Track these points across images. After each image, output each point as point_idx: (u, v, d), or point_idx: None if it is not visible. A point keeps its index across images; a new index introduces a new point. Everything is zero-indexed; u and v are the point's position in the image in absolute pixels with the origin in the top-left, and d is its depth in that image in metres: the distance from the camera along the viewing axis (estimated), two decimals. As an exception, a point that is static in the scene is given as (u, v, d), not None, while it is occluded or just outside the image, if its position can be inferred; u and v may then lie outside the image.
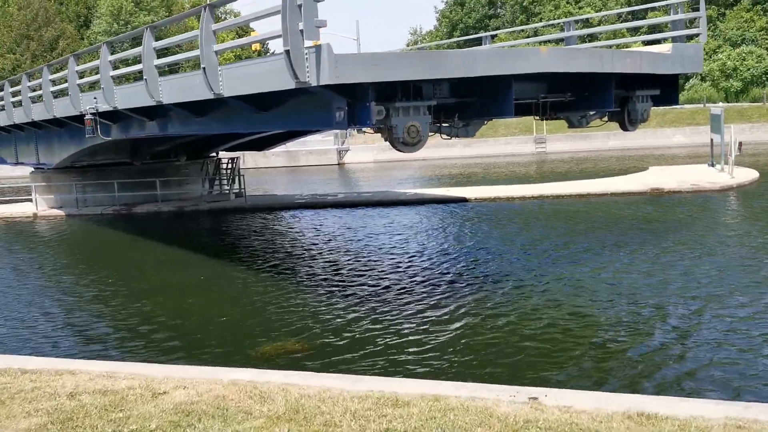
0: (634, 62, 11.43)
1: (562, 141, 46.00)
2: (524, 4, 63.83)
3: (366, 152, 48.38)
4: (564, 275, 12.65)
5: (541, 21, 48.20)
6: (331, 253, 16.02)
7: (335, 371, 7.94)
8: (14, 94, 22.75)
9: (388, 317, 10.53)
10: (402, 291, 12.20)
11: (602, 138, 45.15)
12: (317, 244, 17.33)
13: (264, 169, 45.92)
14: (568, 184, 24.58)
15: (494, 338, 9.30)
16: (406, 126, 9.28)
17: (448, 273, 13.42)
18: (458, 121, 10.53)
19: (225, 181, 27.74)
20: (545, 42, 34.36)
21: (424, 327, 9.98)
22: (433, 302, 11.25)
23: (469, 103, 10.46)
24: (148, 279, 14.51)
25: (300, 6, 8.17)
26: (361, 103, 9.14)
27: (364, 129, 10.08)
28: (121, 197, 25.19)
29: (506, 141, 46.09)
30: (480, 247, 15.90)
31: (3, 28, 70.83)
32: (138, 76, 14.28)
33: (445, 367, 8.34)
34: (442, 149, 46.91)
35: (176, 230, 21.14)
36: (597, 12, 53.90)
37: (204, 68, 10.79)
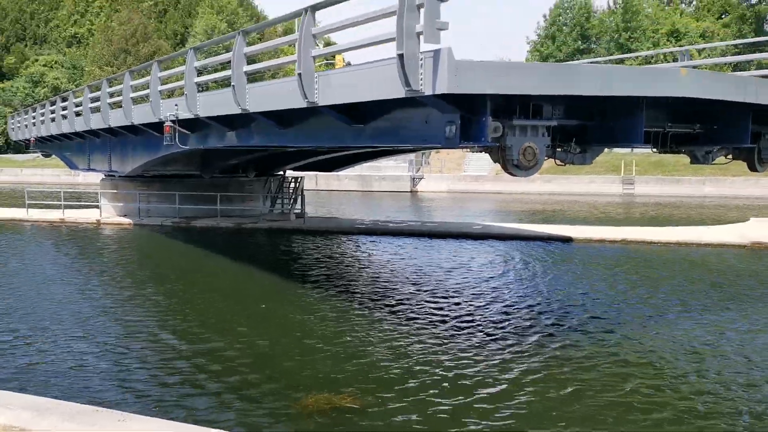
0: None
1: (652, 183, 43.59)
2: (620, 40, 62.00)
3: (440, 181, 47.41)
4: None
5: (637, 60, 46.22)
6: (399, 287, 14.28)
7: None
8: (93, 100, 22.94)
9: (463, 372, 8.88)
10: (487, 339, 10.48)
11: (696, 183, 42.47)
12: (382, 275, 15.67)
13: (336, 192, 45.62)
14: (690, 231, 22.44)
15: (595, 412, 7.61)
16: (522, 147, 8.20)
17: (544, 321, 11.58)
18: (575, 146, 9.41)
19: (287, 201, 27.27)
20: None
21: (507, 389, 8.32)
22: (524, 359, 9.45)
23: (590, 127, 9.29)
24: (192, 301, 13.09)
25: (419, 6, 7.36)
26: (476, 118, 8.13)
27: (469, 148, 9.04)
28: (183, 209, 25.02)
29: (590, 179, 44.10)
30: (587, 293, 14.03)
31: (104, 42, 74.34)
32: (224, 83, 13.79)
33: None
34: (520, 183, 45.42)
35: (231, 248, 20.11)
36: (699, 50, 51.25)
37: (299, 74, 9.82)
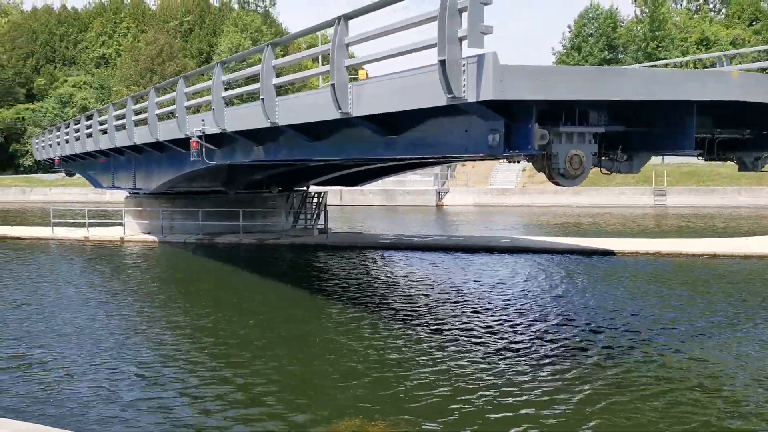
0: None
1: (685, 194, 42.52)
2: (648, 49, 61.19)
3: (466, 195, 46.90)
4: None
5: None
6: (435, 304, 13.53)
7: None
8: (117, 117, 22.74)
9: (514, 402, 8.14)
10: (539, 363, 9.69)
11: (731, 193, 41.35)
12: (415, 291, 14.93)
13: (360, 207, 45.34)
14: (734, 242, 21.54)
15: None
16: (568, 155, 7.84)
17: (599, 341, 10.73)
18: (621, 153, 8.96)
19: (310, 216, 26.90)
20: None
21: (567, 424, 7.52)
22: (581, 386, 8.66)
23: (637, 134, 8.84)
24: (221, 322, 12.47)
25: (461, 10, 7.06)
26: (521, 125, 7.78)
27: (509, 159, 8.65)
28: (206, 226, 24.84)
29: (620, 191, 43.20)
30: (642, 310, 13.17)
31: (130, 62, 75.42)
32: (251, 98, 13.54)
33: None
34: (547, 196, 44.88)
35: (255, 265, 19.72)
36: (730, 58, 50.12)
37: (333, 85, 9.64)
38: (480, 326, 12.01)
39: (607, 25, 67.38)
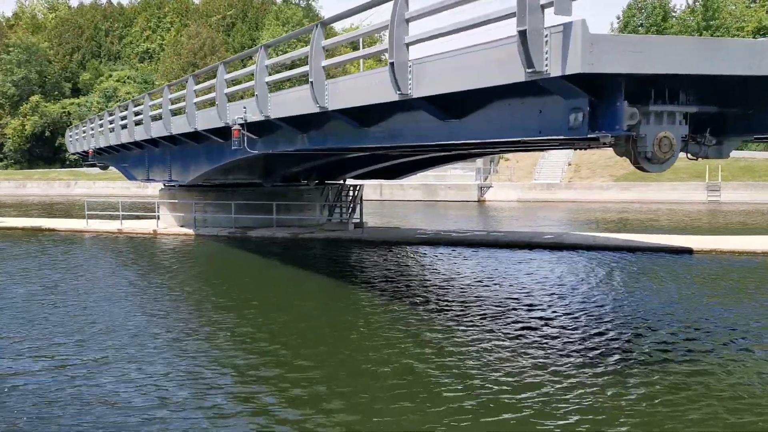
0: None
1: (740, 190, 40.29)
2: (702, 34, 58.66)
3: (509, 190, 45.47)
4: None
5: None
6: (489, 305, 12.30)
7: None
8: (153, 108, 22.14)
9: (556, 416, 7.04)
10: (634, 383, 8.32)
11: (792, 188, 39.35)
12: (462, 290, 13.76)
13: (399, 202, 44.41)
14: None
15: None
16: (657, 137, 7.07)
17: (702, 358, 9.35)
18: (710, 137, 7.82)
19: (345, 210, 26.06)
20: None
21: None
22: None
23: (730, 115, 7.66)
24: (259, 325, 11.52)
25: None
26: (608, 103, 6.99)
27: (581, 145, 7.62)
28: (239, 219, 24.26)
29: (672, 186, 41.20)
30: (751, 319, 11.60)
31: (173, 56, 76.08)
32: (290, 83, 12.73)
33: None
34: (594, 191, 43.25)
35: (290, 260, 18.79)
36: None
37: (392, 63, 8.93)
38: (551, 335, 10.91)
39: (657, 15, 64.81)
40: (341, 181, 26.40)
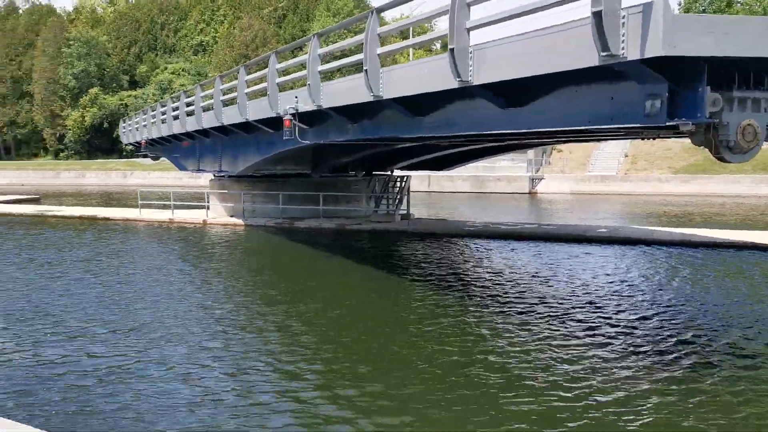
0: None
1: (811, 183, 38.53)
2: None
3: (562, 182, 44.35)
4: None
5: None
6: (554, 302, 11.80)
7: None
8: (205, 98, 22.22)
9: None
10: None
11: None
12: (524, 287, 13.26)
13: (448, 194, 43.86)
14: None
15: None
16: (741, 125, 6.56)
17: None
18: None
19: (392, 201, 25.77)
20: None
21: None
22: None
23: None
24: (311, 323, 11.33)
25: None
26: (689, 88, 6.58)
27: (649, 135, 7.13)
28: (287, 210, 24.31)
29: (735, 179, 39.41)
30: None
31: (226, 48, 77.23)
32: (350, 70, 12.47)
33: None
34: (652, 184, 41.79)
35: (338, 251, 18.65)
36: None
37: (452, 50, 8.60)
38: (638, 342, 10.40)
39: (721, 1, 61.98)
40: (389, 172, 26.12)
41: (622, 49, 6.38)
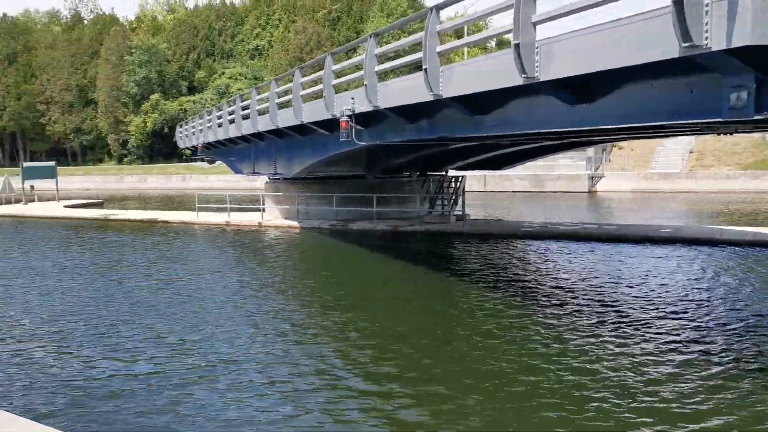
0: None
1: None
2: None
3: (623, 179, 42.95)
4: None
5: None
6: (595, 306, 11.25)
7: None
8: (260, 102, 22.46)
9: None
10: None
11: None
12: (563, 286, 12.74)
13: (505, 193, 43.08)
14: None
15: None
16: None
17: None
18: None
19: (447, 202, 25.31)
20: None
21: None
22: None
23: None
24: (357, 320, 11.16)
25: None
26: None
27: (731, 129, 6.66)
28: (340, 212, 24.27)
29: (811, 175, 37.52)
30: None
31: (281, 51, 78.26)
32: (402, 71, 12.24)
33: None
34: (718, 181, 40.05)
35: (388, 254, 18.34)
36: None
37: (517, 45, 8.37)
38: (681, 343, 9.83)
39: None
40: (443, 173, 25.75)
41: (706, 39, 6.03)
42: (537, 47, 8.46)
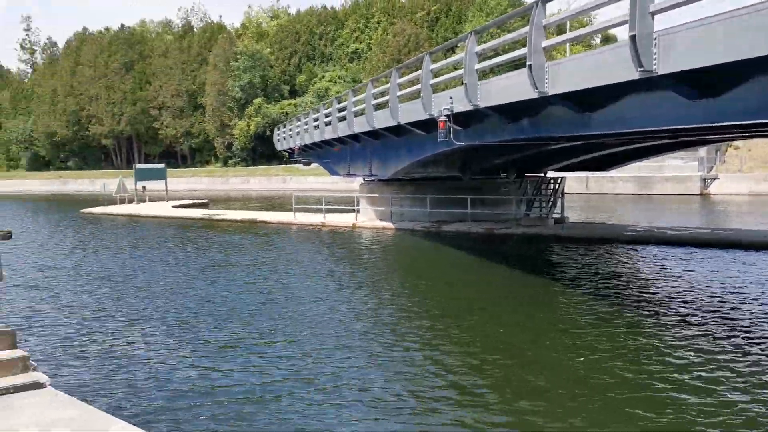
0: None
1: None
2: None
3: (740, 181, 40.06)
4: None
5: None
6: (710, 321, 10.37)
7: None
8: (356, 103, 22.58)
9: None
10: None
11: None
12: (673, 297, 11.81)
13: (609, 195, 41.21)
14: None
15: None
16: None
17: None
18: None
19: (545, 204, 24.37)
20: None
21: None
22: None
23: None
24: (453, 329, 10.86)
25: None
26: None
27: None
28: (434, 213, 23.95)
29: None
30: None
31: (379, 54, 78.97)
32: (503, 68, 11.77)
33: None
34: None
35: (483, 258, 17.81)
36: None
37: (633, 37, 7.84)
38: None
39: None
40: (542, 174, 24.85)
41: None
42: (655, 38, 7.82)
